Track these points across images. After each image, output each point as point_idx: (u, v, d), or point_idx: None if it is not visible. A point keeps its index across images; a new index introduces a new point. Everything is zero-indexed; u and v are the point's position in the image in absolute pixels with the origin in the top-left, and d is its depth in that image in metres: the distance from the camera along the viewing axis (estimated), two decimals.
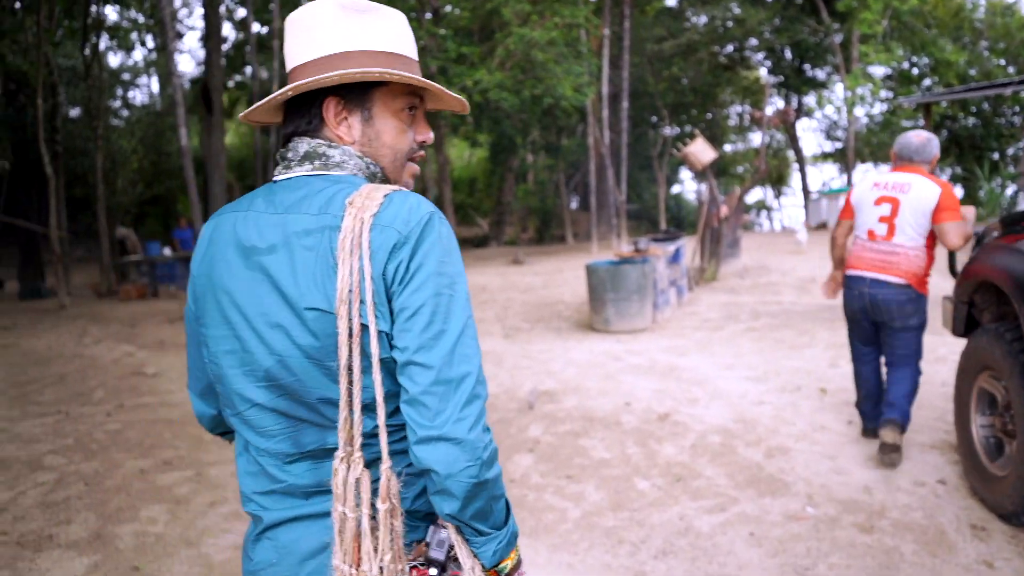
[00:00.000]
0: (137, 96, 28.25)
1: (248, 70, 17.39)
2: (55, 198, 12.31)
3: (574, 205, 30.46)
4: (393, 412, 0.99)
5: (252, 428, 1.06)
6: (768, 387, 5.28)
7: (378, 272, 0.95)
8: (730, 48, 24.21)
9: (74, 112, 21.41)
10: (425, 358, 0.94)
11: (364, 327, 0.95)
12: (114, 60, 29.02)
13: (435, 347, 0.94)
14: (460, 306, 0.98)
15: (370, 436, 0.99)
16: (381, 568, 0.95)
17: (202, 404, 1.22)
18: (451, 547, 1.01)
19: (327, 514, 1.02)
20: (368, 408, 0.97)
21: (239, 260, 1.03)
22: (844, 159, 26.31)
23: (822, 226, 21.51)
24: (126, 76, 27.25)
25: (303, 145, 1.07)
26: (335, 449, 0.99)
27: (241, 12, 19.32)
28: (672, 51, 20.97)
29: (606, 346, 7.01)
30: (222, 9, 20.26)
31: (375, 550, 0.95)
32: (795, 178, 35.02)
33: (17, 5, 15.27)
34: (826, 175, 41.09)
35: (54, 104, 16.71)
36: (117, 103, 25.77)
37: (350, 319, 0.94)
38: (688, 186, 37.08)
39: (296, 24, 1.07)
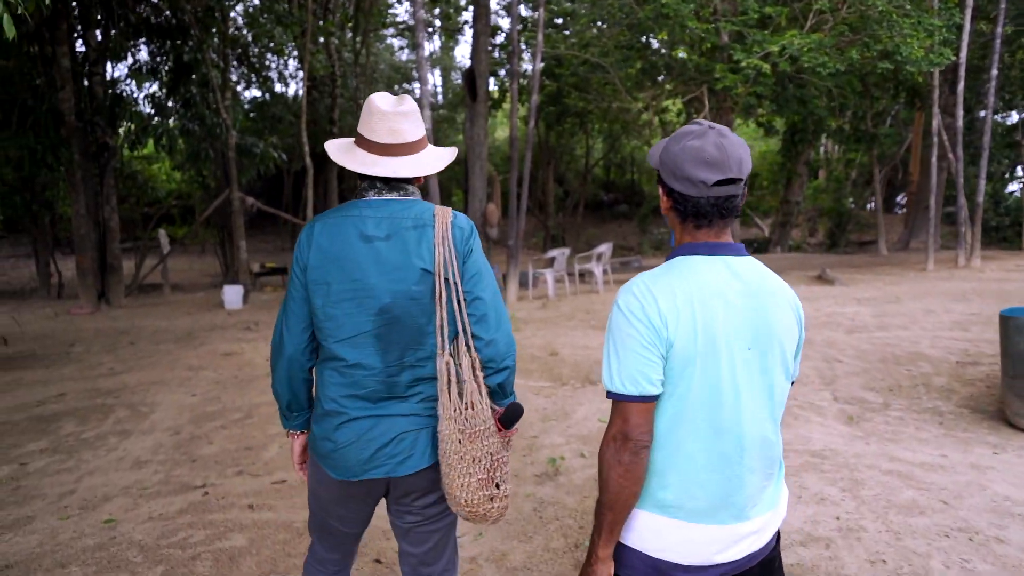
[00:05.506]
0: (416, 89, 29.14)
1: (527, 62, 16.10)
2: (312, 188, 11.97)
3: (870, 205, 25.08)
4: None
5: (355, 347, 1.73)
6: None
7: (459, 251, 1.78)
8: None
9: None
10: (484, 294, 1.80)
11: (447, 281, 1.75)
12: (405, 56, 30.39)
13: (488, 288, 1.82)
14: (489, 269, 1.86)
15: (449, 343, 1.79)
16: (479, 404, 1.75)
17: (292, 339, 1.80)
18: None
19: (392, 415, 1.74)
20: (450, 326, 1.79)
21: (362, 244, 1.74)
22: None
23: None
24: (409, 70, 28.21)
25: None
26: (410, 366, 1.75)
27: None
28: None
29: None
30: None
31: (480, 393, 1.76)
32: None
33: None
34: None
35: (333, 96, 17.02)
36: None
37: (444, 276, 1.75)
38: None
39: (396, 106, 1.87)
